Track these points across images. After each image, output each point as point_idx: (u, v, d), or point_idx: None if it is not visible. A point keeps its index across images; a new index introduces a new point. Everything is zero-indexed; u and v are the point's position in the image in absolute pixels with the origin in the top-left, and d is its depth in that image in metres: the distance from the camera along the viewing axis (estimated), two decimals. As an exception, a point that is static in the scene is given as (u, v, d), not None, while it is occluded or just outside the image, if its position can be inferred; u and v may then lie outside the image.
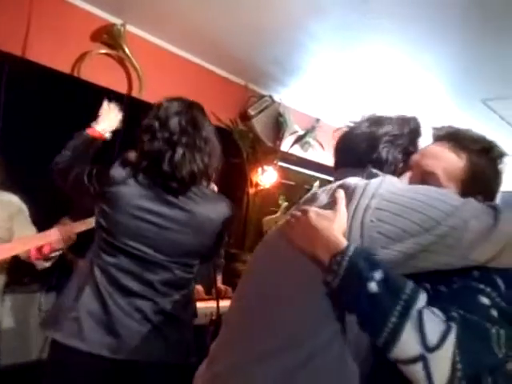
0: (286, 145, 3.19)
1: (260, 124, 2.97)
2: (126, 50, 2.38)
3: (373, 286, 0.62)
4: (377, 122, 0.90)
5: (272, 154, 3.03)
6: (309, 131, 3.23)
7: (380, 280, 0.62)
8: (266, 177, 3.01)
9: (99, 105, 2.19)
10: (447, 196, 0.71)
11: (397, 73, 2.59)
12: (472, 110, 2.99)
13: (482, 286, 0.65)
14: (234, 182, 2.77)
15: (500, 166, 0.86)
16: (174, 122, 1.22)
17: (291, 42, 2.45)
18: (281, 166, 3.15)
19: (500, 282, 0.66)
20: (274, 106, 3.03)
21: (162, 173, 1.20)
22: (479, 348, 0.58)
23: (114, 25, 2.31)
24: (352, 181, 0.78)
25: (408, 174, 0.86)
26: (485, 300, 0.63)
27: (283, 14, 2.16)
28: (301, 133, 3.20)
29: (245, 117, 2.91)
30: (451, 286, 0.67)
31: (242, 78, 3.04)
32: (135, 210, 1.19)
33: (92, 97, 2.14)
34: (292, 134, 3.16)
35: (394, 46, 2.33)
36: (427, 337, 0.57)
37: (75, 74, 2.21)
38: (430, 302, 0.64)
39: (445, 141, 0.85)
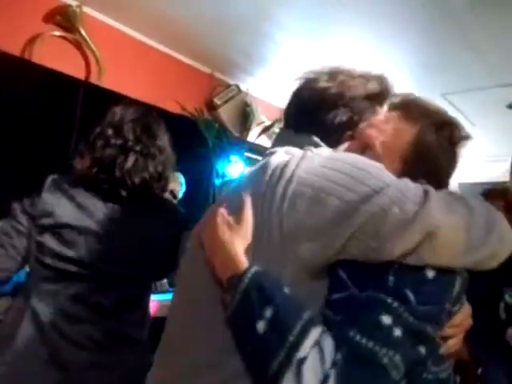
0: (253, 135, 3.16)
1: (226, 114, 2.92)
2: (83, 34, 2.24)
3: (261, 327, 0.57)
4: (334, 76, 0.81)
5: (239, 144, 3.00)
6: (276, 121, 3.21)
7: (269, 318, 0.57)
8: (232, 167, 2.98)
9: (55, 90, 2.08)
10: (370, 174, 0.61)
11: (361, 64, 2.61)
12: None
13: (389, 301, 0.58)
14: (199, 173, 2.72)
15: (455, 149, 0.75)
16: (128, 129, 1.17)
17: (258, 32, 2.42)
18: (248, 157, 3.13)
19: (411, 296, 0.59)
20: (241, 95, 2.99)
21: (113, 179, 1.13)
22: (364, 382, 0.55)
23: (69, 6, 2.17)
24: (275, 160, 0.68)
25: (347, 144, 0.77)
26: (387, 320, 0.58)
27: (250, 2, 2.12)
28: (268, 123, 3.18)
29: (211, 106, 2.85)
30: (361, 295, 0.60)
31: (207, 67, 2.97)
32: (77, 223, 1.09)
33: (46, 81, 2.02)
34: (259, 124, 3.14)
35: (359, 38, 2.35)
36: None
37: (26, 57, 2.06)
38: (342, 305, 0.61)
39: (396, 110, 0.76)
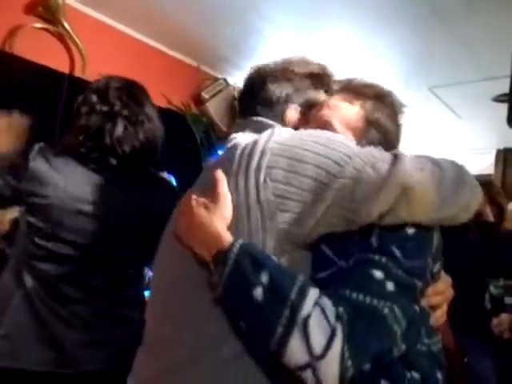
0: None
1: (214, 108, 2.89)
2: (66, 26, 2.19)
3: (258, 294, 0.57)
4: (279, 61, 0.91)
5: (227, 138, 2.97)
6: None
7: (266, 284, 0.58)
8: (220, 162, 2.95)
9: (38, 83, 2.03)
10: (339, 143, 0.64)
11: (350, 58, 2.61)
12: (419, 96, 3.10)
13: (377, 258, 0.60)
14: (187, 168, 2.70)
15: (398, 115, 0.84)
16: (114, 96, 1.12)
17: (246, 25, 2.39)
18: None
19: (397, 252, 0.61)
20: (229, 89, 2.96)
21: (102, 147, 1.08)
22: (372, 336, 0.57)
23: (51, -3, 2.11)
24: (242, 141, 0.71)
25: (304, 127, 0.80)
26: (378, 274, 0.59)
27: (237, -6, 2.09)
28: (256, 117, 3.16)
29: (198, 100, 2.81)
30: (348, 262, 0.63)
31: (194, 60, 2.93)
32: (68, 202, 1.05)
33: (29, 75, 1.97)
34: (247, 118, 3.12)
35: (347, 32, 2.35)
36: (313, 345, 0.54)
37: (7, 50, 2.00)
38: (328, 283, 0.62)
39: (341, 92, 0.84)
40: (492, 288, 1.81)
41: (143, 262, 1.21)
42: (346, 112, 0.80)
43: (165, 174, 2.34)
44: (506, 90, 1.69)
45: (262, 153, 0.64)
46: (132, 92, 1.16)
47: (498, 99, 2.82)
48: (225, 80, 2.96)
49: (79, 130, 1.10)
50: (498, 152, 4.33)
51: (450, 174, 0.64)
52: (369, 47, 2.49)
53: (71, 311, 1.05)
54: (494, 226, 2.05)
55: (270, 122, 0.83)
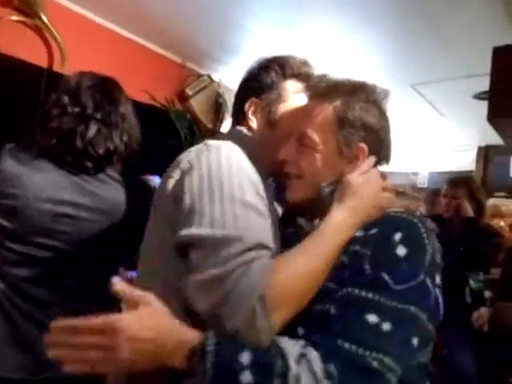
0: (226, 126, 3.12)
1: (198, 104, 2.86)
2: (44, 19, 2.13)
3: (246, 377, 0.56)
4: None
5: (211, 135, 2.95)
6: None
7: (249, 365, 0.56)
8: (205, 159, 2.93)
9: (16, 78, 1.97)
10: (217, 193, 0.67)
11: (334, 54, 2.62)
12: (402, 94, 3.13)
13: (370, 296, 0.61)
14: (170, 165, 2.67)
15: (379, 104, 0.78)
16: (86, 96, 1.09)
17: (230, 21, 2.37)
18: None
19: (388, 278, 0.62)
20: (213, 85, 2.93)
21: (74, 150, 1.05)
22: None
23: (27, -11, 2.05)
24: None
25: (284, 145, 0.79)
26: (372, 318, 0.60)
27: (220, -11, 2.07)
28: (241, 114, 3.15)
29: (182, 97, 2.78)
30: (339, 294, 0.63)
31: (178, 56, 2.90)
32: (43, 204, 1.02)
33: (6, 69, 1.91)
34: (232, 115, 3.10)
35: (331, 28, 2.35)
36: None
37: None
38: (320, 322, 0.62)
39: (311, 93, 0.81)
40: (472, 282, 1.85)
41: (121, 261, 1.20)
42: (318, 117, 0.76)
43: (148, 177, 2.30)
44: (487, 87, 1.71)
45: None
46: (105, 90, 1.13)
47: (479, 97, 2.86)
48: (209, 76, 2.94)
49: (51, 133, 1.07)
50: (479, 149, 4.41)
51: None
52: (352, 43, 2.50)
53: (47, 314, 1.01)
54: (473, 221, 2.09)
55: (237, 128, 0.88)
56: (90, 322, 0.61)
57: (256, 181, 0.71)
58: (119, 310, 1.14)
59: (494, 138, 2.08)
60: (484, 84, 1.75)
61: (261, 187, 0.72)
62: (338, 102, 0.75)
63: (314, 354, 0.58)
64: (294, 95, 0.86)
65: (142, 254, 0.81)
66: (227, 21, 2.38)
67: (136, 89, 2.54)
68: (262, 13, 2.26)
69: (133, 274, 1.42)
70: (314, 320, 0.65)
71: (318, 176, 0.75)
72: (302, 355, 0.58)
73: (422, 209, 2.86)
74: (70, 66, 2.24)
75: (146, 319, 0.59)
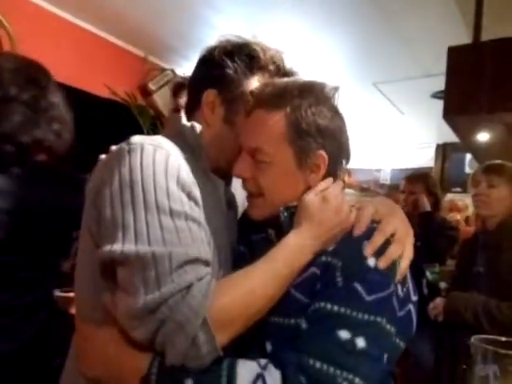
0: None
1: (162, 99, 2.79)
2: (-8, 6, 2.01)
3: None
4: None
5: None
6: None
7: None
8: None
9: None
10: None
11: (299, 51, 2.64)
12: (364, 92, 3.21)
13: (342, 310, 0.59)
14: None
15: (330, 104, 0.71)
16: (8, 79, 0.96)
17: (193, 14, 2.34)
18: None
19: (360, 288, 0.60)
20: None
21: None
22: None
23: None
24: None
25: (238, 160, 0.72)
26: (344, 334, 0.58)
27: (183, -18, 2.03)
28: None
29: (145, 91, 2.70)
30: (312, 312, 0.60)
31: (140, 50, 2.82)
32: None
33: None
34: (197, 111, 3.06)
35: (296, 24, 2.37)
36: None
37: None
38: (290, 336, 0.61)
39: (258, 106, 0.71)
40: (428, 274, 1.92)
41: (41, 265, 1.03)
42: (270, 128, 0.68)
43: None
44: (443, 86, 1.78)
45: None
46: (31, 75, 1.00)
47: (436, 96, 2.98)
48: (172, 71, 2.87)
49: None
50: (438, 146, 4.60)
51: None
52: (317, 42, 2.53)
53: None
54: (430, 215, 2.17)
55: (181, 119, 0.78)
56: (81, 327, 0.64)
57: (187, 182, 0.64)
58: (45, 315, 1.03)
59: (451, 136, 2.17)
60: (441, 83, 1.81)
61: (194, 188, 0.65)
62: (288, 110, 0.68)
63: (274, 376, 0.56)
64: None
65: (77, 265, 0.74)
66: (191, 15, 2.34)
67: (97, 83, 2.46)
68: (226, 7, 2.24)
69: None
70: (284, 335, 0.62)
71: (279, 192, 0.69)
72: (258, 376, 0.56)
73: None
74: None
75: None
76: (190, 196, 0.63)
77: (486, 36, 1.64)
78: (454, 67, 1.65)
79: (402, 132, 4.32)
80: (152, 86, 2.80)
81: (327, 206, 0.66)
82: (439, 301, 1.74)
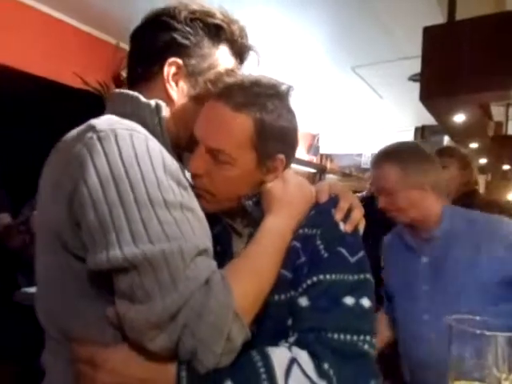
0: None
1: (137, 89, 2.73)
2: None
3: None
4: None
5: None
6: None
7: None
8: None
9: None
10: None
11: (276, 36, 2.59)
12: (342, 76, 3.19)
13: (338, 277, 0.62)
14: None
15: (289, 107, 0.69)
16: None
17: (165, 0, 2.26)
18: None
19: (344, 251, 0.64)
20: (152, 68, 2.80)
21: None
22: (361, 380, 0.58)
23: None
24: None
25: (195, 152, 0.68)
26: (349, 300, 0.61)
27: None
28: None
29: (118, 80, 2.63)
30: (309, 287, 0.62)
31: (111, 37, 2.73)
32: None
33: None
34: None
35: (274, 9, 2.32)
36: None
37: None
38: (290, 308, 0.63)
39: (222, 101, 0.65)
40: None
41: None
42: (236, 131, 0.64)
43: None
44: (419, 69, 1.77)
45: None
46: None
47: (413, 78, 2.99)
48: (147, 58, 2.80)
49: None
50: (416, 129, 4.65)
51: None
52: (294, 27, 2.48)
53: None
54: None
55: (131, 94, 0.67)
56: (79, 351, 0.57)
57: (174, 168, 0.58)
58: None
59: (429, 119, 2.18)
60: (418, 66, 1.81)
61: (181, 174, 0.60)
62: (256, 113, 0.64)
63: (303, 356, 0.56)
64: (224, 67, 0.72)
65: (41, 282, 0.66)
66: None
67: (67, 72, 2.37)
68: (198, -9, 2.18)
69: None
70: (271, 313, 0.63)
71: (232, 191, 0.68)
72: (292, 361, 0.56)
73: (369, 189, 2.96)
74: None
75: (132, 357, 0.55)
76: (179, 183, 0.58)
77: (459, 16, 1.64)
78: (429, 48, 1.64)
79: (381, 116, 4.33)
80: (125, 75, 2.73)
81: (289, 185, 0.69)
82: None
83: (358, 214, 0.69)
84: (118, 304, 0.52)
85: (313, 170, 4.97)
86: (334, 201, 0.69)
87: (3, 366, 1.97)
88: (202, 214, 0.62)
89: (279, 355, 0.56)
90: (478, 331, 0.50)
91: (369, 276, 0.64)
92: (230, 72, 0.71)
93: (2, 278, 2.07)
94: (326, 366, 0.55)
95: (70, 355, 0.58)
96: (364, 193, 2.94)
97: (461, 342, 0.52)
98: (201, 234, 0.57)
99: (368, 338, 0.59)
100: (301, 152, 4.78)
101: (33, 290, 1.93)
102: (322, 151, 5.21)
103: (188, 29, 0.69)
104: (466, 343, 0.51)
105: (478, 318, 0.54)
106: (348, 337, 0.58)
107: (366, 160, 4.98)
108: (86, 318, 0.58)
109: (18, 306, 1.86)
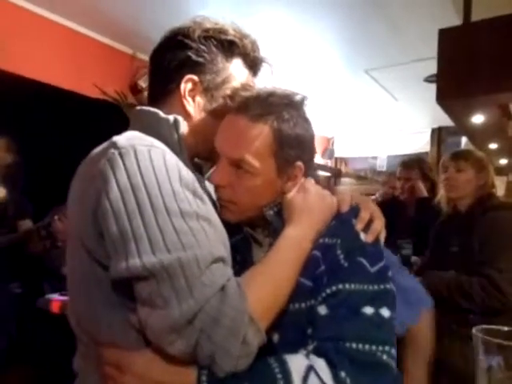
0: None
1: (153, 97, 2.77)
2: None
3: None
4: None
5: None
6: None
7: None
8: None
9: None
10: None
11: (288, 42, 2.61)
12: (356, 79, 3.18)
13: (357, 287, 0.62)
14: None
15: (305, 116, 0.72)
16: None
17: (179, 9, 2.30)
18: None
19: (365, 262, 0.64)
20: (167, 77, 2.85)
21: None
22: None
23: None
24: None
25: (217, 166, 0.71)
26: (369, 310, 0.60)
27: (167, -25, 2.00)
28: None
29: (135, 89, 2.68)
30: (329, 296, 0.62)
31: (129, 47, 2.79)
32: None
33: None
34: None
35: (286, 14, 2.33)
36: None
37: None
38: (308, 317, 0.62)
39: (242, 112, 0.68)
40: (403, 250, 1.94)
41: None
42: (256, 140, 0.67)
43: None
44: (435, 70, 1.76)
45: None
46: None
47: (429, 80, 2.96)
48: (162, 67, 2.85)
49: None
50: (433, 131, 4.59)
51: None
52: (305, 31, 2.49)
53: None
54: (428, 201, 2.16)
55: (155, 112, 0.70)
56: (105, 354, 0.60)
57: (190, 179, 0.61)
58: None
59: (446, 120, 2.16)
60: (433, 67, 1.80)
61: (197, 186, 0.63)
62: (273, 122, 0.67)
63: (321, 364, 0.57)
64: (238, 80, 0.74)
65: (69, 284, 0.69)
66: (177, 9, 2.30)
67: (86, 83, 2.43)
68: (212, 0, 2.21)
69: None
70: (290, 321, 0.63)
71: (255, 201, 0.70)
72: (309, 368, 0.56)
73: (381, 191, 2.94)
74: (13, 61, 2.10)
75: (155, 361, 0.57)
76: (195, 194, 0.61)
77: (474, 17, 1.62)
78: (446, 50, 1.64)
79: (396, 118, 4.30)
80: (142, 84, 2.77)
81: (310, 195, 0.69)
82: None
83: (379, 224, 0.69)
84: (139, 310, 0.55)
85: (328, 174, 4.95)
86: (355, 211, 0.69)
87: (25, 369, 2.02)
88: (219, 224, 0.65)
89: (296, 362, 0.57)
90: (506, 342, 0.48)
91: (389, 286, 0.64)
92: (245, 86, 0.74)
93: (28, 285, 2.13)
94: (343, 374, 0.55)
95: (97, 358, 0.61)
96: (377, 195, 2.91)
97: (488, 353, 0.50)
98: (216, 242, 0.59)
99: (387, 348, 0.58)
100: (316, 156, 4.77)
101: (55, 296, 1.98)
102: (336, 155, 5.19)
103: (202, 47, 0.72)
104: (494, 354, 0.50)
105: (505, 328, 0.53)
106: (366, 346, 0.58)
107: (382, 163, 4.94)
108: (110, 322, 0.61)
109: (40, 312, 1.91)
